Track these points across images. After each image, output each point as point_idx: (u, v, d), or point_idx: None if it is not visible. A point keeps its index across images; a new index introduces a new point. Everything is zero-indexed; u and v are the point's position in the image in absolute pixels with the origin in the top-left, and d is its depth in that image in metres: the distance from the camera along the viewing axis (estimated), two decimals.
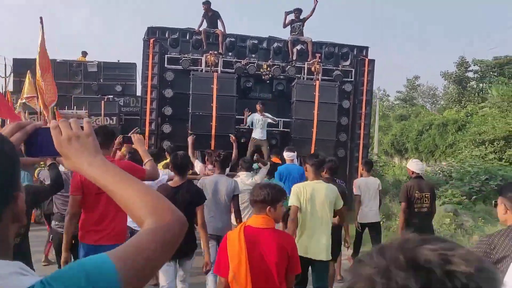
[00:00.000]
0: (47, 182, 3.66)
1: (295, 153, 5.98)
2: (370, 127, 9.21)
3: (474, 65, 24.56)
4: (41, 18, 7.39)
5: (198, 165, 5.37)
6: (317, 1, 8.51)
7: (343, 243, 4.43)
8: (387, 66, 47.45)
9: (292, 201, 3.60)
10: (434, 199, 4.80)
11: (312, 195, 3.58)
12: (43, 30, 7.44)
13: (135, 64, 11.78)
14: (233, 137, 6.37)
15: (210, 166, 5.34)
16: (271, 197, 2.35)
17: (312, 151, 8.20)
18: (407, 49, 77.45)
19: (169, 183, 3.68)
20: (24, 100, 9.81)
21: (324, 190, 3.61)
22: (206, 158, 6.03)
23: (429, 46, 74.39)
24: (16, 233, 0.78)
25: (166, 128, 8.02)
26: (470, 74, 25.43)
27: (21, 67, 11.29)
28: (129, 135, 3.49)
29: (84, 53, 12.76)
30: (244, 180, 4.71)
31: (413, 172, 4.81)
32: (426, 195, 4.67)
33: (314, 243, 3.55)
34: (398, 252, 0.50)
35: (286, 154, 5.86)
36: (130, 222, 3.91)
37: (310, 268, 3.63)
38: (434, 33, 78.93)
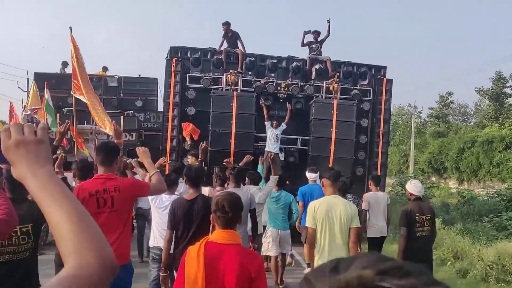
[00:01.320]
0: None
1: (318, 173, 6.45)
2: (388, 145, 9.80)
3: None
4: (70, 28, 7.40)
5: (205, 189, 5.51)
6: (330, 22, 9.35)
7: None
8: (420, 82, 47.82)
9: (308, 222, 3.71)
10: (434, 221, 4.84)
11: (327, 211, 3.64)
12: (74, 42, 7.41)
13: (156, 79, 12.59)
14: (249, 156, 6.83)
15: (218, 188, 5.60)
16: (240, 211, 2.36)
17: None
18: (438, 65, 78.37)
19: (185, 196, 3.85)
20: (28, 112, 10.56)
21: (341, 206, 3.67)
22: (215, 180, 6.13)
23: (463, 62, 75.08)
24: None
25: (187, 145, 8.78)
26: (508, 90, 25.57)
27: (42, 82, 11.72)
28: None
29: (105, 68, 13.59)
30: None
31: (411, 194, 4.83)
32: (427, 218, 4.68)
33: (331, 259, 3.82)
34: (355, 280, 0.47)
35: (309, 175, 6.26)
36: (157, 242, 4.28)
37: None
38: (467, 48, 79.71)
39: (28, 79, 21.40)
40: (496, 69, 28.80)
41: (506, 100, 25.39)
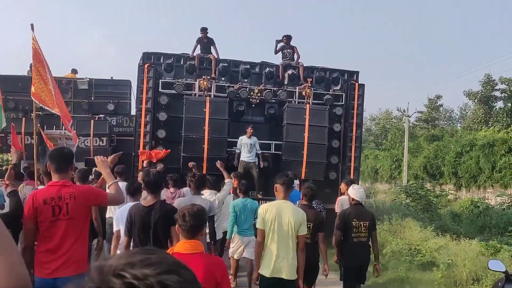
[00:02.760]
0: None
1: (297, 180, 6.98)
2: (361, 149, 10.61)
3: (502, 84, 25.45)
4: (31, 25, 7.26)
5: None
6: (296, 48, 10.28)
7: (321, 270, 4.90)
8: (407, 85, 49.53)
9: (258, 223, 4.13)
10: (373, 228, 5.03)
11: (277, 214, 4.00)
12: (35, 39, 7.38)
13: (129, 81, 12.79)
14: (220, 162, 7.42)
15: (172, 189, 6.25)
16: (204, 220, 2.68)
17: (303, 173, 9.61)
18: (427, 67, 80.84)
19: (142, 202, 4.03)
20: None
21: (290, 211, 4.04)
22: (167, 183, 6.48)
23: (452, 64, 77.49)
24: None
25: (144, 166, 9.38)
26: (497, 93, 26.31)
27: (7, 84, 11.62)
28: (96, 157, 3.72)
29: (74, 71, 13.77)
30: (208, 198, 5.39)
31: (353, 199, 5.06)
32: (365, 224, 4.90)
33: (280, 262, 3.97)
34: (100, 275, 0.63)
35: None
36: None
37: None
38: (458, 51, 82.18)
39: None
40: (485, 72, 30.07)
41: (495, 103, 26.36)
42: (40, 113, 10.06)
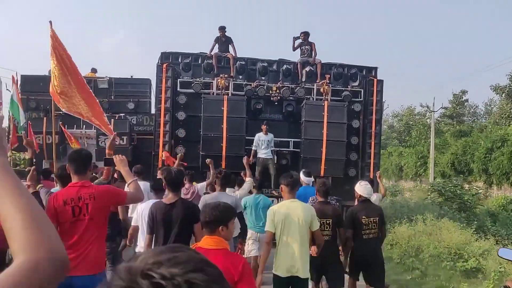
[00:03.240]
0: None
1: (312, 177, 7.05)
2: (380, 146, 10.74)
3: None
4: (50, 22, 7.28)
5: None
6: (314, 44, 10.47)
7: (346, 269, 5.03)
8: (431, 81, 49.07)
9: (267, 225, 4.25)
10: (382, 223, 5.12)
11: (286, 214, 4.15)
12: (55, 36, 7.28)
13: (149, 80, 13.01)
14: (246, 158, 7.54)
15: (187, 185, 6.41)
16: (223, 216, 2.71)
17: (322, 170, 9.82)
18: (451, 63, 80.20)
19: (163, 200, 4.11)
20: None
21: (299, 210, 4.18)
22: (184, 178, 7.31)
23: (477, 59, 76.58)
24: None
25: (180, 150, 9.79)
26: None
27: (29, 84, 12.65)
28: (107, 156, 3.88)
29: (94, 70, 14.17)
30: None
31: (360, 196, 5.12)
32: (374, 220, 5.00)
33: (295, 261, 4.11)
34: (128, 275, 0.67)
35: (304, 178, 6.82)
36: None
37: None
38: (483, 44, 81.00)
39: (17, 81, 22.58)
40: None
41: None
42: (61, 112, 10.52)
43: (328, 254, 4.65)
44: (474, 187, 18.24)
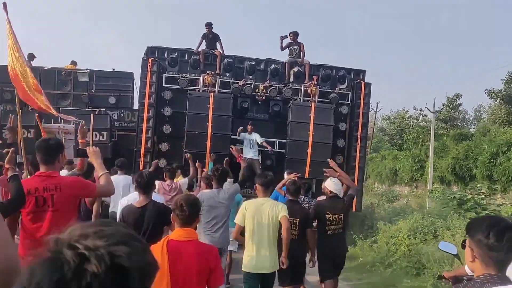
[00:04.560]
0: None
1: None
2: (365, 149, 11.51)
3: None
4: (4, 3, 7.24)
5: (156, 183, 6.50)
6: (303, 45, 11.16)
7: (308, 262, 5.54)
8: (424, 83, 50.73)
9: (237, 218, 4.75)
10: (347, 218, 5.68)
11: (256, 211, 4.64)
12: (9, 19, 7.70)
13: (132, 73, 13.43)
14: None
15: (168, 181, 7.05)
16: (199, 208, 3.13)
17: (307, 172, 10.51)
18: (445, 67, 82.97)
19: (134, 203, 4.27)
20: None
21: (268, 207, 4.71)
22: (164, 174, 7.46)
23: (471, 63, 79.27)
24: None
25: (164, 146, 10.36)
26: None
27: (3, 75, 12.53)
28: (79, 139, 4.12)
29: (74, 63, 14.39)
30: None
31: (330, 192, 5.62)
32: (339, 216, 5.50)
33: (259, 258, 4.60)
34: (55, 246, 0.76)
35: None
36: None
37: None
38: (478, 48, 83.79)
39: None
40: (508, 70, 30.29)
41: None
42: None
43: (298, 255, 5.18)
44: (469, 193, 18.80)
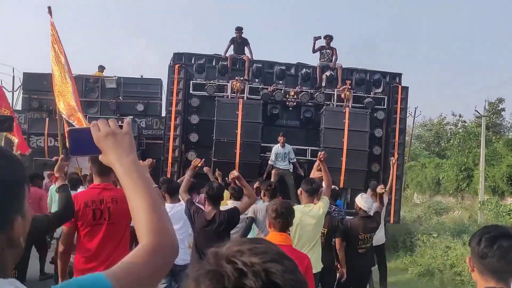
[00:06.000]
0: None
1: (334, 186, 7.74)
2: (403, 156, 11.77)
3: None
4: (49, 8, 7.92)
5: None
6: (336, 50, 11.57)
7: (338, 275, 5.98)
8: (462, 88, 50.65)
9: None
10: (373, 237, 6.14)
11: (301, 219, 4.98)
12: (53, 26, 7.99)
13: (160, 80, 14.02)
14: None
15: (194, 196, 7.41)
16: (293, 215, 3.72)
17: (342, 182, 10.86)
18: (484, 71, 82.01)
19: (205, 214, 4.95)
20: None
21: (311, 213, 5.15)
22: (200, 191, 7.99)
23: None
24: (16, 260, 1.11)
25: (191, 155, 10.87)
26: None
27: (32, 83, 13.73)
28: None
29: (101, 68, 15.25)
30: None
31: (360, 209, 6.01)
32: (371, 236, 5.98)
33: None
34: (215, 259, 0.87)
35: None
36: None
37: None
38: None
39: (13, 77, 22.82)
40: None
41: None
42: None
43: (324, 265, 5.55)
44: None
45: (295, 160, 10.62)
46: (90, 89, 13.78)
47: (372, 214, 6.20)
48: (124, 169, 1.30)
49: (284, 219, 3.57)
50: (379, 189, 6.48)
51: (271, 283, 0.85)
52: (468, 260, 2.09)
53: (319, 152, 5.90)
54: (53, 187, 7.03)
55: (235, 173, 5.68)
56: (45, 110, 13.63)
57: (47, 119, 13.18)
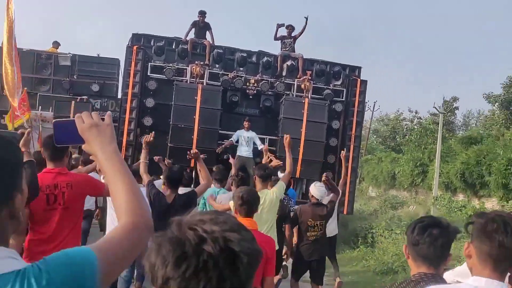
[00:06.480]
0: None
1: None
2: (359, 149, 12.23)
3: None
4: None
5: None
6: (307, 19, 11.71)
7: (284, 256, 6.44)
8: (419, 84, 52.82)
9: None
10: (326, 223, 6.43)
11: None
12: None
13: (117, 60, 13.82)
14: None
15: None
16: (258, 201, 4.02)
17: (298, 172, 11.19)
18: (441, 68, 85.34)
19: (166, 198, 5.12)
20: None
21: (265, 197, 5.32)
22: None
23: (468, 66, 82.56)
24: (14, 231, 1.29)
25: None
26: None
27: None
28: None
29: (56, 44, 14.83)
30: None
31: (312, 196, 6.36)
32: (321, 223, 6.24)
33: None
34: (178, 227, 1.00)
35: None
36: None
37: None
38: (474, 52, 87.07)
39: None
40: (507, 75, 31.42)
41: None
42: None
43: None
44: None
45: (261, 146, 10.58)
46: (42, 65, 13.43)
47: (325, 202, 6.49)
48: (105, 156, 1.47)
49: (249, 206, 3.84)
50: (323, 177, 6.79)
51: (228, 249, 0.95)
52: (404, 248, 2.35)
53: (285, 135, 6.09)
54: None
55: (195, 151, 5.82)
56: None
57: None
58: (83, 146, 1.53)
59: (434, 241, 2.18)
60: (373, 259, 10.84)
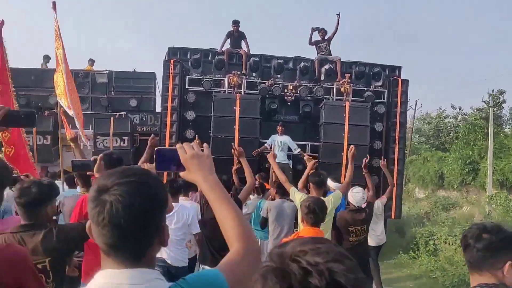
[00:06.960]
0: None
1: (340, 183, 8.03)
2: (404, 151, 12.16)
3: None
4: (53, 3, 7.83)
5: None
6: (339, 16, 11.81)
7: None
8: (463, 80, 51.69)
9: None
10: (368, 228, 6.40)
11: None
12: (57, 22, 7.93)
13: (153, 74, 14.11)
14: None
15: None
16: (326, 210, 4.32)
17: (343, 177, 11.26)
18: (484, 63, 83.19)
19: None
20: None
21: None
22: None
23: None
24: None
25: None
26: None
27: (19, 78, 12.26)
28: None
29: (92, 62, 15.43)
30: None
31: (349, 203, 6.44)
32: (362, 228, 6.22)
33: None
34: (280, 258, 0.98)
35: (335, 185, 7.73)
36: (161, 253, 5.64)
37: None
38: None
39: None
40: None
41: None
42: (54, 110, 11.29)
43: None
44: None
45: (297, 150, 10.83)
46: (80, 84, 13.68)
47: (363, 206, 6.52)
48: (209, 186, 1.66)
49: (315, 215, 4.05)
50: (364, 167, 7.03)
51: (334, 282, 0.92)
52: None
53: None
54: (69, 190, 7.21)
55: (240, 149, 5.84)
56: (33, 106, 13.50)
57: (36, 115, 13.21)
58: (183, 174, 1.71)
59: (488, 246, 2.11)
60: (440, 269, 10.62)
